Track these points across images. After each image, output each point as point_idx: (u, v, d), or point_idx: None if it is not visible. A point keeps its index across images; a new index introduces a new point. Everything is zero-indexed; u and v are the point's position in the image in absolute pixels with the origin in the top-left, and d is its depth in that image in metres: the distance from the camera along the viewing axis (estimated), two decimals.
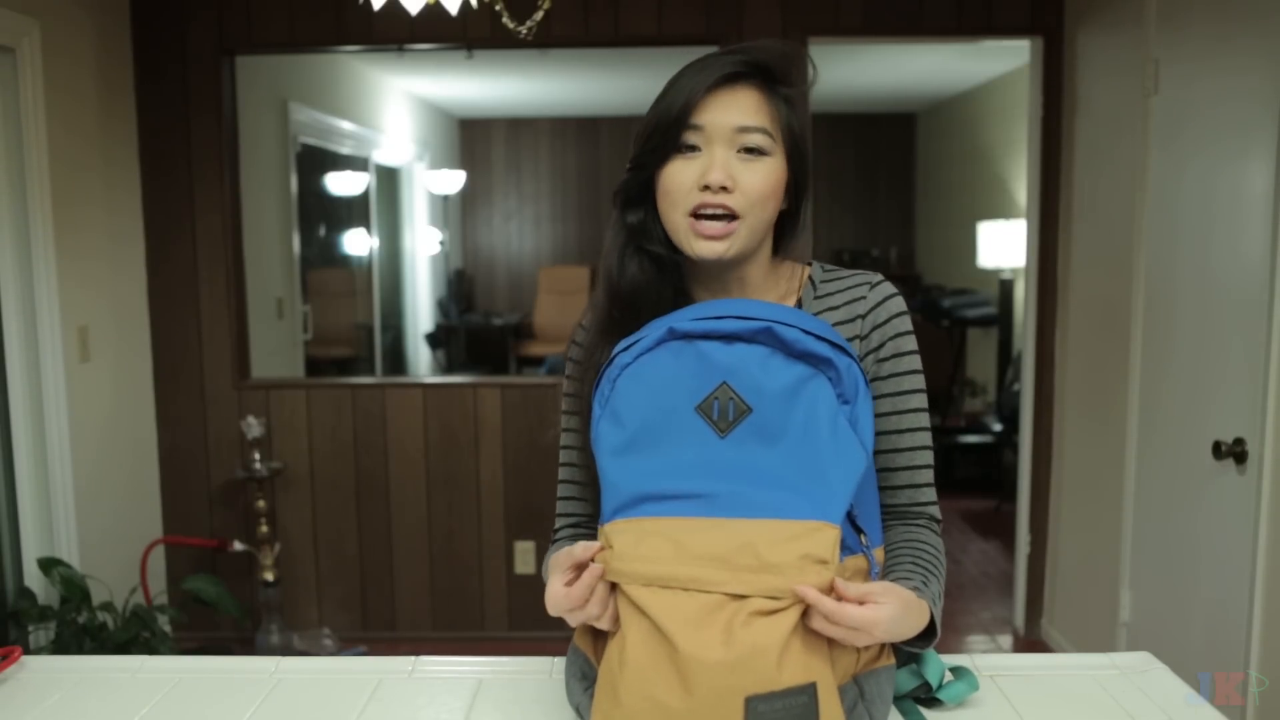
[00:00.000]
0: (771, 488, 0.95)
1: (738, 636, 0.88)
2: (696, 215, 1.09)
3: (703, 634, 0.88)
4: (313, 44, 3.61)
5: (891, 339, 1.15)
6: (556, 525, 1.26)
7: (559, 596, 0.98)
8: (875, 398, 1.14)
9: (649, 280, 1.13)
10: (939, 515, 1.17)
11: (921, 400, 1.16)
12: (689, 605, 0.89)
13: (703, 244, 1.09)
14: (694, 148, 1.10)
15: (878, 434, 1.14)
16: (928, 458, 1.16)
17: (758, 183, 1.09)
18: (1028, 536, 3.65)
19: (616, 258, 1.15)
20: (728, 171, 1.08)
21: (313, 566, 3.71)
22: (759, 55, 1.11)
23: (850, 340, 1.15)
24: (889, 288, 1.18)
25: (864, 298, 1.17)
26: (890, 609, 0.94)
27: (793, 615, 0.89)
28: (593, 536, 1.22)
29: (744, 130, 1.09)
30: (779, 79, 1.12)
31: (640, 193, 1.15)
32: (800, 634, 0.90)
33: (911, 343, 1.17)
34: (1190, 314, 2.56)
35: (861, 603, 0.93)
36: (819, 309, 1.16)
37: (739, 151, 1.09)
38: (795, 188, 1.14)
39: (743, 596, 0.90)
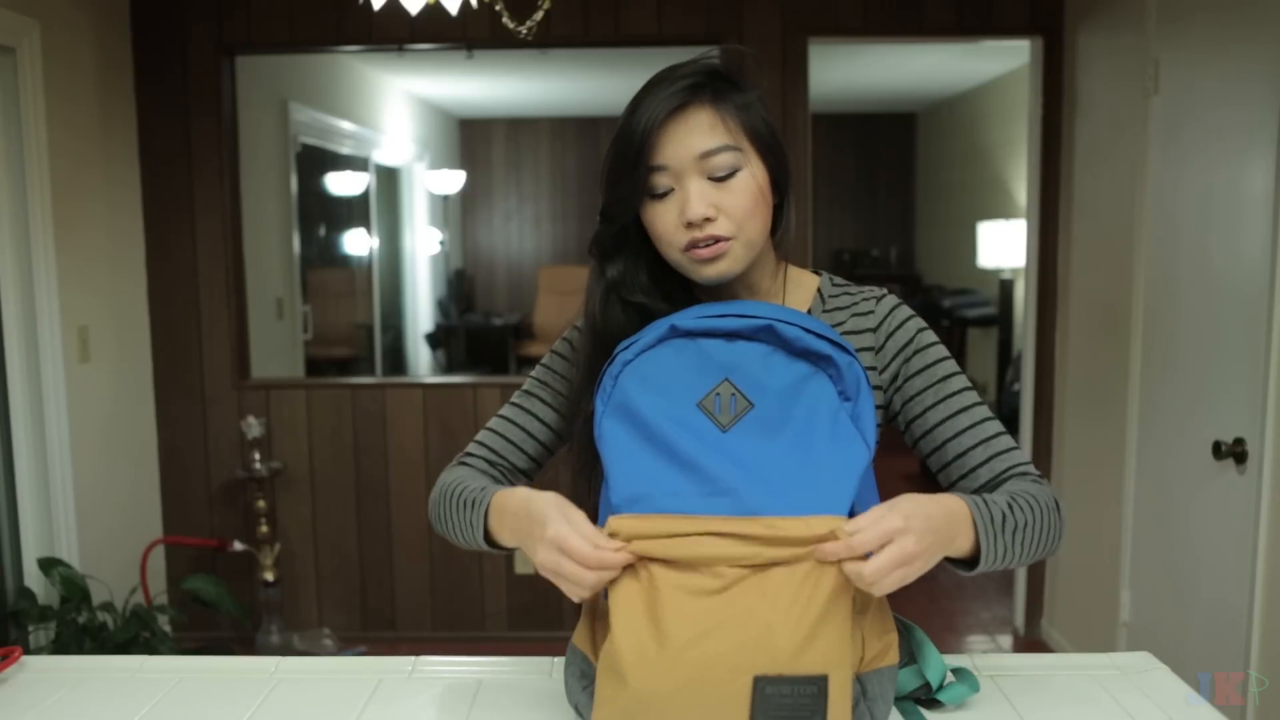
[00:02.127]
0: (775, 483, 0.95)
1: (754, 617, 0.88)
2: (690, 248, 1.08)
3: (716, 612, 0.88)
4: (313, 44, 3.61)
5: (910, 340, 1.15)
6: (472, 450, 1.22)
7: (584, 551, 0.92)
8: (916, 396, 1.13)
9: (634, 330, 1.10)
10: (1036, 472, 1.11)
11: (962, 380, 1.14)
12: (710, 582, 0.90)
13: (704, 269, 1.08)
14: (667, 191, 1.07)
15: (934, 430, 1.12)
16: (995, 426, 1.12)
17: (739, 201, 1.07)
18: None
19: (600, 307, 1.13)
20: (706, 202, 1.06)
21: (313, 566, 3.71)
22: (701, 70, 1.08)
23: (863, 351, 1.15)
24: (894, 299, 1.19)
25: (871, 312, 1.17)
26: (899, 515, 0.91)
27: (811, 595, 0.89)
28: (509, 484, 1.20)
29: (707, 155, 1.06)
30: (728, 84, 1.09)
31: (616, 243, 1.13)
32: (821, 623, 0.89)
33: (931, 335, 1.16)
34: (1190, 314, 2.56)
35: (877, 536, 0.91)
36: (827, 322, 1.16)
37: (710, 179, 1.06)
38: (776, 182, 1.12)
39: (763, 566, 0.89)
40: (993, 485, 1.11)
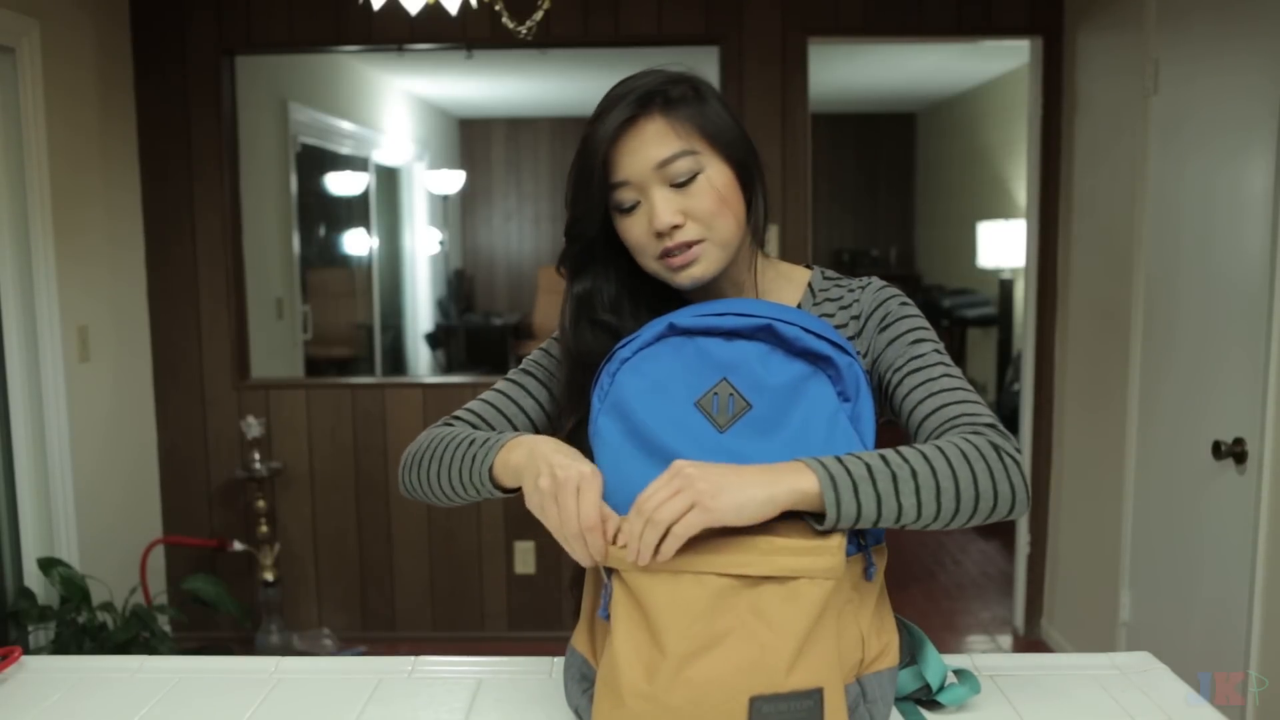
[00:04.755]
0: None
1: (748, 635, 0.88)
2: (664, 256, 1.09)
3: (711, 629, 0.88)
4: (312, 44, 3.61)
5: (886, 311, 1.14)
6: (460, 415, 1.20)
7: (591, 511, 0.92)
8: (890, 365, 1.10)
9: (604, 349, 1.10)
10: (994, 423, 1.02)
11: (932, 346, 1.10)
12: (699, 594, 0.89)
13: (679, 275, 1.09)
14: (634, 205, 1.08)
15: (897, 386, 1.09)
16: (952, 382, 1.06)
17: (704, 204, 1.07)
18: (1028, 536, 3.65)
19: (571, 327, 1.14)
20: (672, 209, 1.06)
21: (313, 566, 3.70)
22: (652, 81, 1.08)
23: (853, 339, 1.15)
24: (880, 283, 1.18)
25: (857, 300, 1.17)
26: (675, 467, 0.90)
27: (804, 612, 0.89)
28: None
29: (665, 164, 1.06)
30: (675, 97, 1.08)
31: (583, 260, 1.13)
32: (812, 637, 0.89)
33: (909, 309, 1.14)
34: (1190, 314, 2.56)
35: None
36: (817, 315, 1.16)
37: (672, 186, 1.07)
38: (743, 178, 1.11)
39: (756, 579, 0.89)
40: (937, 434, 1.03)
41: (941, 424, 1.03)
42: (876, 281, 1.18)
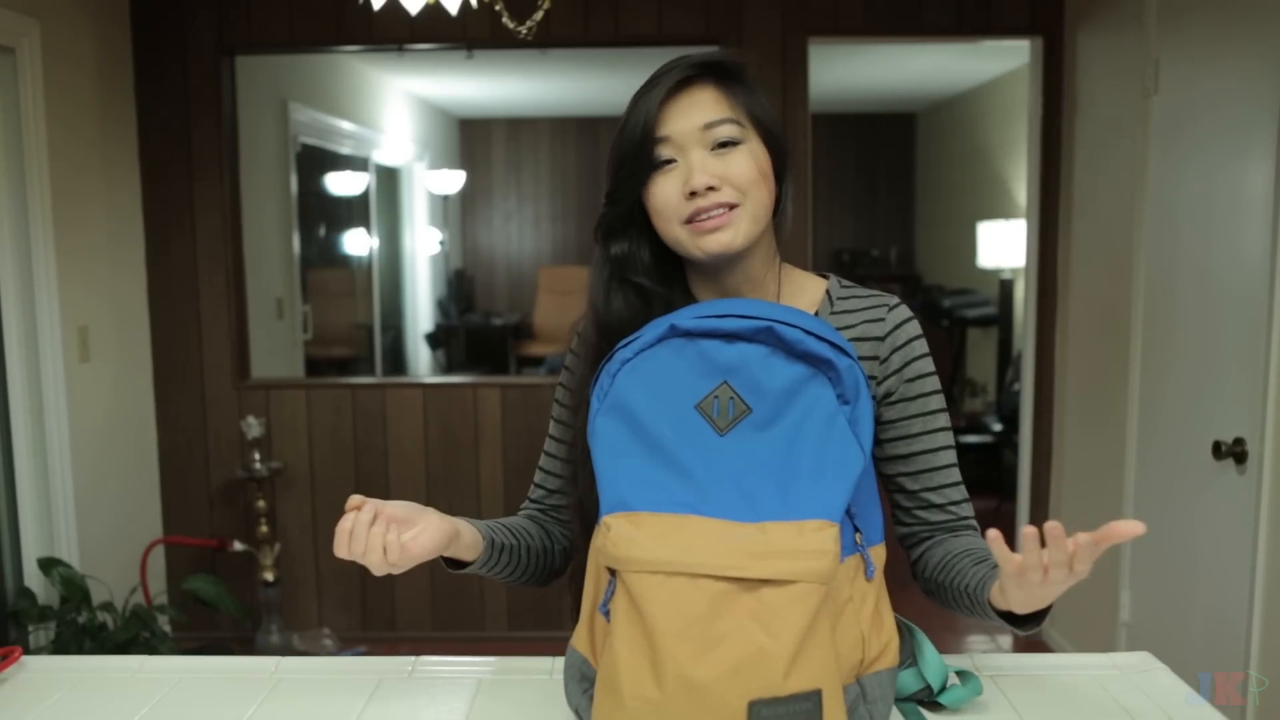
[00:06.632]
0: (770, 488, 0.94)
1: (746, 639, 0.88)
2: (693, 220, 1.08)
3: (709, 633, 0.88)
4: (313, 44, 3.61)
5: (913, 361, 1.16)
6: (530, 494, 1.32)
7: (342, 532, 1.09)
8: (904, 419, 1.16)
9: (635, 313, 1.12)
10: (977, 526, 1.19)
11: (946, 420, 1.18)
12: (696, 597, 0.89)
13: (708, 239, 1.08)
14: (669, 160, 1.09)
15: (910, 455, 1.16)
16: (958, 475, 1.19)
17: (742, 169, 1.08)
18: None
19: (603, 291, 1.15)
20: (709, 171, 1.07)
21: (313, 566, 3.70)
22: (705, 57, 1.11)
23: (866, 360, 1.15)
24: (906, 310, 1.18)
25: (882, 319, 1.16)
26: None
27: (802, 615, 0.89)
28: (551, 522, 1.29)
29: (711, 126, 1.08)
30: (731, 74, 1.11)
31: (622, 223, 1.14)
32: (809, 639, 0.89)
33: (931, 365, 1.18)
34: (1190, 314, 2.56)
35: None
36: (835, 325, 1.16)
37: (713, 149, 1.08)
38: (776, 172, 1.13)
39: (755, 581, 0.89)
40: (948, 526, 1.17)
41: (952, 519, 1.17)
42: (903, 308, 1.18)
